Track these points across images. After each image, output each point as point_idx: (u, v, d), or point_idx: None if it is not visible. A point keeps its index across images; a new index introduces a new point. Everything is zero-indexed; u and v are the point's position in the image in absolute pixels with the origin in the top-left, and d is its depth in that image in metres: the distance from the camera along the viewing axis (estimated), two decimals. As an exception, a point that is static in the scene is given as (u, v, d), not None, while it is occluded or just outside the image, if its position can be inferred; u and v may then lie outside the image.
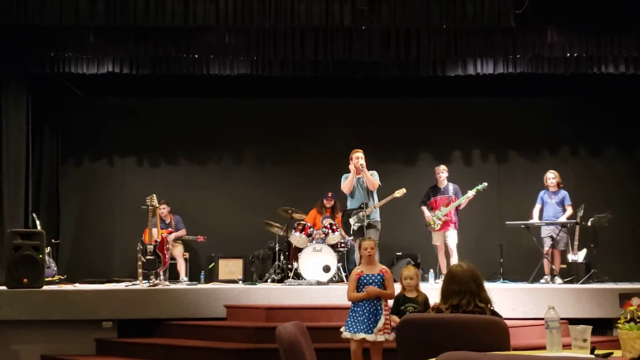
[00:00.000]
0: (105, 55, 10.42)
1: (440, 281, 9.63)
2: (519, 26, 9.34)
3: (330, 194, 10.61)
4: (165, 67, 10.56)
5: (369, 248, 6.44)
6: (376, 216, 9.58)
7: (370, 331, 6.16)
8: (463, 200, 10.00)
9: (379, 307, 6.24)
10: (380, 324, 6.17)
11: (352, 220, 9.58)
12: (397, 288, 6.34)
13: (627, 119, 11.96)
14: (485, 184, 10.03)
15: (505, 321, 4.16)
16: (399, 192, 9.62)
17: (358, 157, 9.54)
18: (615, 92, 11.59)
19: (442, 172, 10.19)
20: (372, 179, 9.52)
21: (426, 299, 6.04)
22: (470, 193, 9.96)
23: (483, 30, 9.74)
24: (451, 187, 10.15)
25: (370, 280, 6.30)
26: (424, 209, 10.19)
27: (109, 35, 10.06)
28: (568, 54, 10.14)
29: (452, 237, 9.98)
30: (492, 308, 4.35)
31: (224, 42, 10.14)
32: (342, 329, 6.30)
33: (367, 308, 6.23)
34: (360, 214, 9.43)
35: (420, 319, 4.47)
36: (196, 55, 10.41)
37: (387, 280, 6.32)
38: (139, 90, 11.83)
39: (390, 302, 6.29)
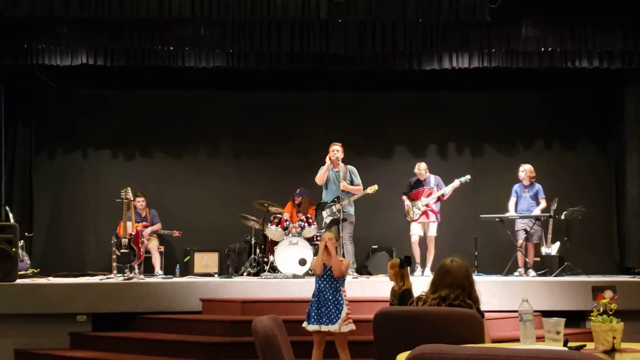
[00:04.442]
0: (79, 47, 10.31)
1: (417, 270, 9.75)
2: (494, 20, 9.39)
3: (297, 190, 10.65)
4: (140, 59, 10.47)
5: (326, 239, 6.45)
6: (349, 209, 9.63)
7: (332, 322, 6.19)
8: (448, 190, 10.05)
9: (339, 298, 6.26)
10: (343, 314, 6.19)
11: (324, 214, 9.64)
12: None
13: (600, 113, 12.08)
14: (468, 176, 10.10)
15: (480, 314, 4.19)
16: (371, 189, 9.66)
17: (334, 150, 9.62)
18: (589, 86, 11.69)
19: (423, 171, 10.21)
20: (355, 189, 9.62)
21: (404, 291, 6.02)
22: (457, 182, 10.02)
23: (458, 24, 9.78)
24: (432, 178, 10.22)
25: (325, 272, 6.30)
26: (405, 198, 10.22)
27: (83, 27, 9.95)
28: (542, 49, 10.20)
29: (432, 228, 10.04)
30: (479, 307, 4.33)
31: (200, 34, 10.09)
32: (304, 324, 6.31)
33: (330, 298, 6.24)
34: (333, 207, 9.51)
35: (395, 311, 4.49)
36: (171, 48, 10.34)
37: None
38: (113, 82, 11.74)
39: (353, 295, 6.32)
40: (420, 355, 2.53)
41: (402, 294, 6.01)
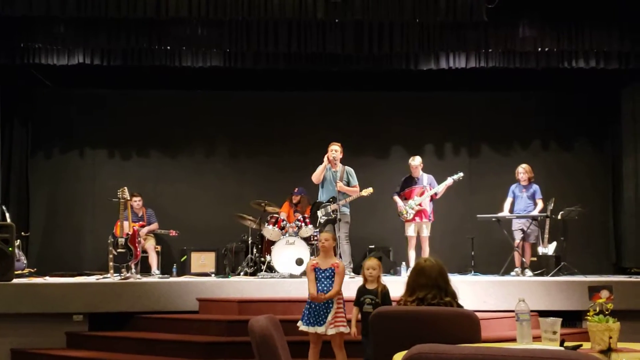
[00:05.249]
0: (76, 46, 10.29)
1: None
2: (491, 20, 9.37)
3: (296, 190, 10.64)
4: (137, 59, 10.45)
5: (322, 239, 6.48)
6: (345, 210, 9.64)
7: (321, 324, 6.21)
8: (441, 188, 10.04)
9: (331, 300, 6.27)
10: (329, 317, 6.20)
11: (319, 213, 9.66)
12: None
13: (597, 113, 12.09)
14: (461, 173, 10.09)
15: (477, 314, 4.19)
16: (366, 192, 9.65)
17: (332, 150, 9.65)
18: (586, 86, 11.71)
19: (418, 164, 10.20)
20: (351, 190, 9.62)
21: (385, 291, 6.07)
22: (449, 180, 10.00)
23: (456, 24, 9.78)
24: (425, 177, 10.19)
25: (322, 275, 6.33)
26: (397, 198, 10.19)
27: (79, 26, 9.92)
28: (539, 49, 10.20)
29: (426, 229, 10.02)
30: (458, 302, 4.37)
31: (197, 34, 10.06)
32: (298, 323, 6.35)
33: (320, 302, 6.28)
34: (328, 207, 9.54)
35: (392, 311, 4.49)
36: (168, 47, 10.32)
37: (336, 275, 6.33)
38: (110, 81, 11.73)
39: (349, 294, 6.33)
40: (417, 355, 2.53)
41: (386, 293, 6.03)
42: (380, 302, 5.89)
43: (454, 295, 4.36)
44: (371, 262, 6.21)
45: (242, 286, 8.68)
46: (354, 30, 9.95)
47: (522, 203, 10.30)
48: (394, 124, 12.18)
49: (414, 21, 9.57)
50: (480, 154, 12.26)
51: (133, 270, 9.56)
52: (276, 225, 9.93)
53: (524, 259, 10.04)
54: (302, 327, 6.32)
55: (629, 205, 11.16)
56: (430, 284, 4.32)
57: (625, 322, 4.00)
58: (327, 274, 6.33)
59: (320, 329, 6.21)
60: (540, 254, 10.13)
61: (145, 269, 10.51)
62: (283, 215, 10.30)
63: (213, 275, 10.46)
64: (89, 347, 7.96)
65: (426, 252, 9.85)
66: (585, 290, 3.90)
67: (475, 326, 4.04)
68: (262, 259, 10.08)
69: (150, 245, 10.73)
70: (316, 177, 9.78)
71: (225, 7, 9.03)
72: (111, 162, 12.18)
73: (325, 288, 6.28)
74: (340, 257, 9.17)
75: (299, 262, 9.38)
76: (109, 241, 9.41)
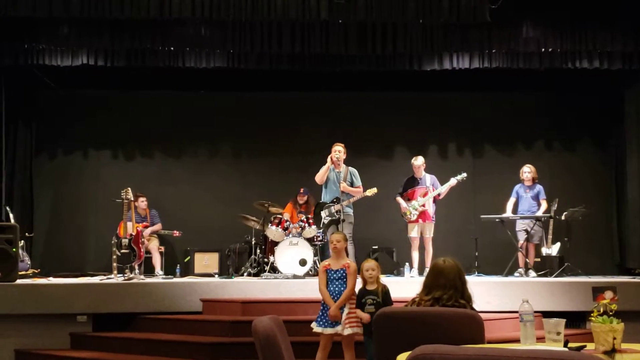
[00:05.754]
0: (80, 47, 10.30)
1: (415, 274, 9.73)
2: (495, 21, 9.37)
3: (302, 190, 10.62)
4: (141, 60, 10.46)
5: (334, 241, 6.49)
6: (348, 210, 9.64)
7: (335, 325, 6.22)
8: (444, 189, 10.03)
9: None
10: (343, 317, 6.21)
11: (323, 214, 9.66)
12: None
13: (600, 113, 12.07)
14: (465, 174, 10.08)
15: (480, 314, 4.19)
16: (370, 192, 9.66)
17: (336, 150, 9.66)
18: (589, 87, 11.68)
19: (421, 163, 10.19)
20: (355, 191, 9.64)
21: (386, 290, 6.07)
22: (453, 180, 9.99)
23: (459, 25, 9.77)
24: (428, 177, 10.18)
25: (333, 276, 6.35)
26: (400, 199, 10.18)
27: (83, 27, 9.94)
28: (543, 49, 10.20)
29: (430, 229, 10.01)
30: (472, 305, 4.35)
31: (200, 34, 10.08)
32: (312, 324, 6.36)
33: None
34: (332, 208, 9.53)
35: (396, 312, 4.48)
36: (172, 48, 10.33)
37: (348, 276, 6.34)
38: (114, 82, 11.72)
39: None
40: (421, 355, 2.53)
41: (386, 293, 6.03)
42: (381, 302, 5.89)
43: (469, 299, 4.33)
44: (370, 264, 6.21)
45: (246, 287, 8.68)
46: (358, 30, 9.94)
47: (527, 203, 10.29)
48: (397, 125, 12.16)
49: (418, 22, 9.57)
50: (484, 154, 12.24)
51: (137, 270, 9.58)
52: (279, 226, 9.93)
53: (527, 260, 10.03)
54: (316, 328, 6.32)
55: (633, 205, 11.14)
56: (448, 284, 4.30)
57: (630, 323, 4.00)
58: (339, 275, 6.34)
59: (330, 330, 6.22)
60: (544, 254, 10.12)
61: (149, 270, 10.52)
62: (286, 216, 10.30)
63: (216, 275, 10.47)
64: (92, 348, 7.98)
65: (430, 253, 9.86)
66: (589, 291, 3.90)
67: (478, 327, 4.04)
68: (266, 259, 10.07)
69: (154, 245, 10.74)
70: (320, 177, 9.79)
71: (229, 8, 9.04)
72: (115, 162, 12.19)
73: (337, 289, 6.30)
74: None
75: (303, 262, 9.38)
76: (112, 242, 9.42)
